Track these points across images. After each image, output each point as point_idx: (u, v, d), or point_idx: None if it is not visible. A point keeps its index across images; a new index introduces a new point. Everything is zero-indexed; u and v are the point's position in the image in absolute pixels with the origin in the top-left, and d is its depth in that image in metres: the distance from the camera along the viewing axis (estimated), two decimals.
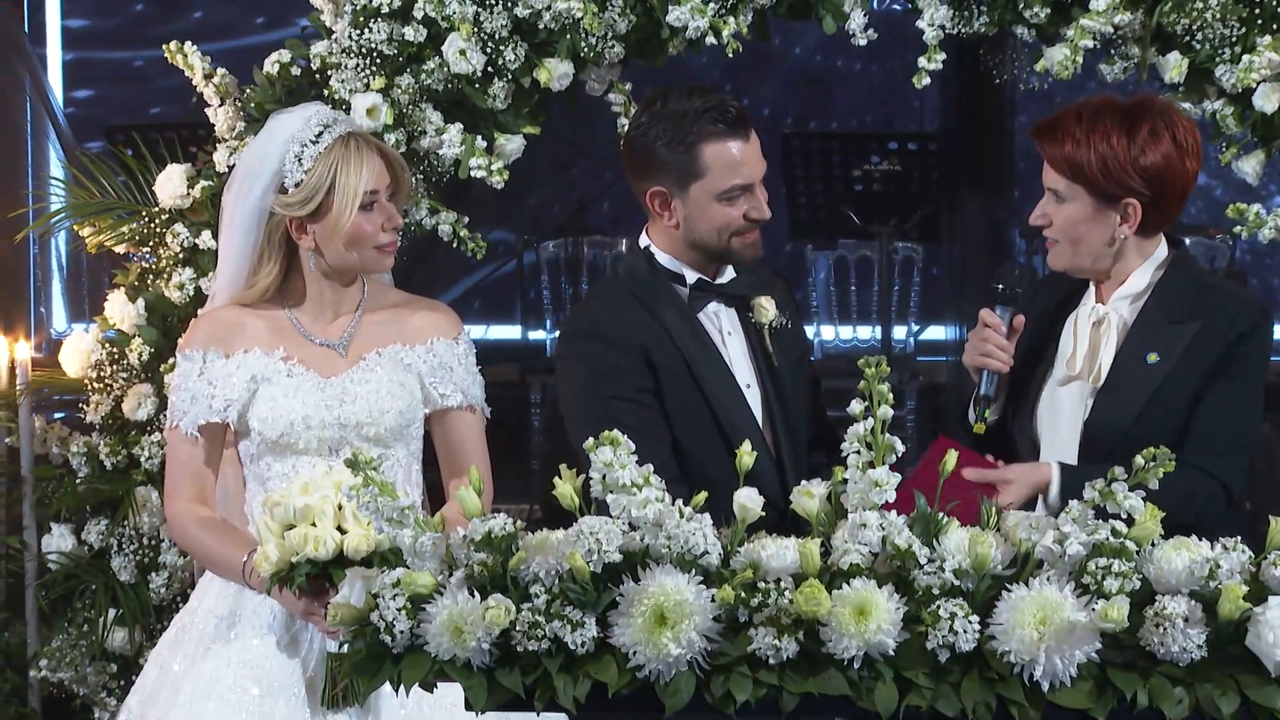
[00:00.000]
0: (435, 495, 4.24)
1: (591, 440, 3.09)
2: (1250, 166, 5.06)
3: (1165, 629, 2.98)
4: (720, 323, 4.29)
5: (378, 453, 4.05)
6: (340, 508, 3.48)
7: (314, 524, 3.51)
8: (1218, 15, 4.90)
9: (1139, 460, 3.08)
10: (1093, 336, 4.11)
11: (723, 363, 4.25)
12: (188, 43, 5.22)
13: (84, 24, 9.85)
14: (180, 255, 5.21)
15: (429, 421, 4.20)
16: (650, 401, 4.18)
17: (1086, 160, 3.99)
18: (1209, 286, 4.15)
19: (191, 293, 5.17)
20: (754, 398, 4.27)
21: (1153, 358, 4.09)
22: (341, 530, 3.49)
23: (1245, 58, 4.89)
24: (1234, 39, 4.92)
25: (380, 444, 4.07)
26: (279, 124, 4.09)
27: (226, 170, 5.17)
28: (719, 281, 4.30)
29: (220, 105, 5.23)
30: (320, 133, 4.04)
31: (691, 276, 4.27)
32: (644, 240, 4.32)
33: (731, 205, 4.19)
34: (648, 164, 4.22)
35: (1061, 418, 4.12)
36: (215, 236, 5.13)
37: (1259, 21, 4.91)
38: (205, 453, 4.09)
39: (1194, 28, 4.93)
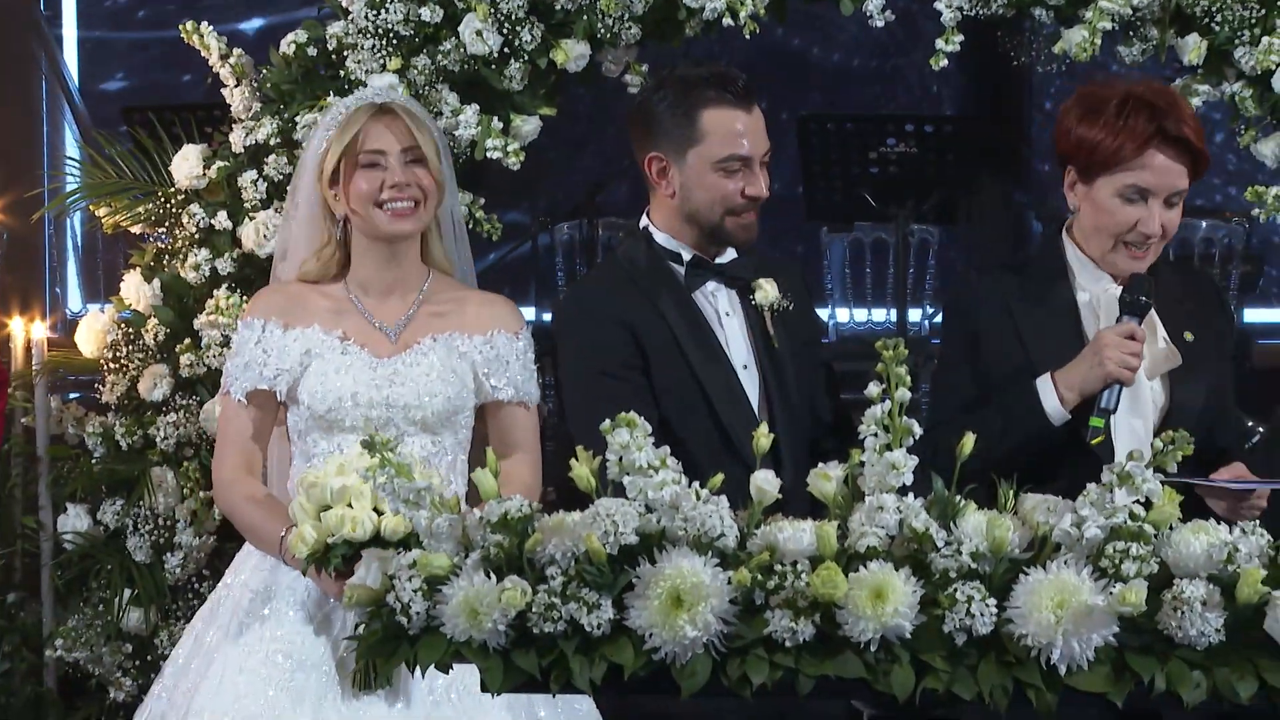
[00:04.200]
0: None
1: (608, 423, 3.09)
2: (1269, 149, 5.03)
3: (1183, 612, 2.97)
4: (718, 303, 4.29)
5: (426, 438, 4.07)
6: (378, 493, 3.47)
7: (350, 505, 3.51)
8: None
9: (1158, 443, 3.07)
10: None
11: (716, 343, 4.24)
12: (204, 23, 5.22)
13: (101, 3, 9.84)
14: (196, 236, 5.20)
15: (482, 414, 4.20)
16: (637, 379, 4.18)
17: (1205, 152, 4.00)
18: (1171, 264, 4.20)
19: (207, 273, 5.16)
20: (751, 379, 4.27)
21: (1189, 336, 4.10)
22: (379, 512, 3.49)
23: (1265, 40, 4.87)
24: (1253, 20, 4.90)
25: (427, 429, 4.08)
26: (330, 107, 4.23)
27: (242, 150, 5.17)
28: (718, 261, 4.29)
29: (236, 86, 5.22)
30: (347, 108, 4.13)
31: (688, 254, 4.26)
32: (643, 221, 4.33)
33: (728, 177, 4.19)
34: (650, 128, 4.24)
35: (1136, 408, 4.09)
36: (230, 217, 5.16)
37: (1278, 3, 4.89)
38: (255, 423, 4.13)
39: (1213, 9, 4.91)
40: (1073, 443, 4.02)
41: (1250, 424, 4.99)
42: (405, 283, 4.17)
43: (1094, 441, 3.98)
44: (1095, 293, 4.13)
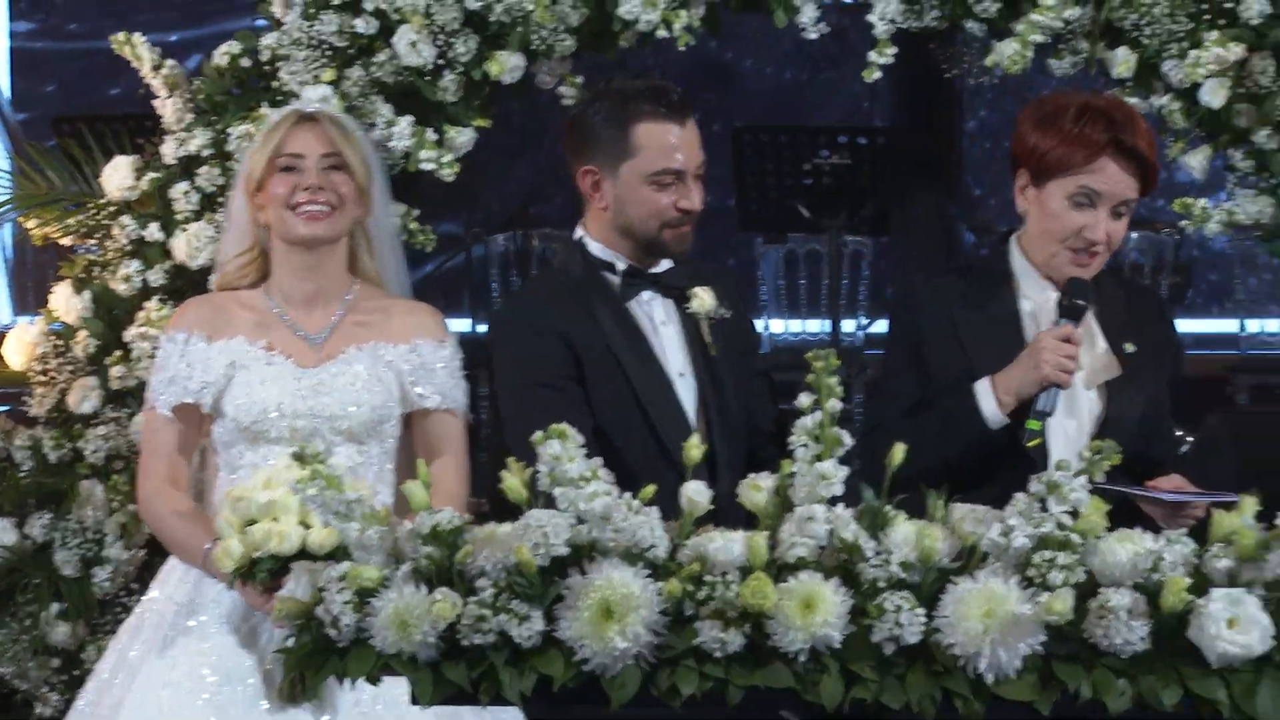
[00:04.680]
0: None
1: (540, 434, 3.09)
2: (1197, 161, 5.08)
3: (1109, 621, 2.99)
4: (653, 311, 4.29)
5: (352, 448, 4.06)
6: (307, 504, 3.46)
7: (276, 519, 3.50)
8: (1166, 11, 4.92)
9: (1086, 453, 3.09)
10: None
11: (651, 352, 4.24)
12: (136, 34, 5.20)
13: (32, 14, 9.79)
14: (127, 247, 5.18)
15: (408, 423, 4.19)
16: (571, 388, 4.18)
17: (1157, 166, 4.04)
18: (1114, 275, 4.23)
19: (138, 285, 5.14)
20: (687, 388, 4.27)
21: (1130, 347, 4.13)
22: (305, 525, 3.48)
23: (1192, 53, 4.91)
24: (1181, 34, 4.93)
25: (353, 439, 4.08)
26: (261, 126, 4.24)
27: (175, 162, 5.15)
28: (653, 271, 4.29)
29: (168, 97, 5.20)
30: (287, 111, 4.18)
31: (622, 264, 4.26)
32: (578, 232, 4.33)
33: (661, 191, 4.19)
34: (584, 141, 4.24)
35: (1073, 416, 4.11)
36: (162, 229, 5.14)
37: (1206, 17, 4.93)
38: (180, 436, 4.12)
39: (1142, 23, 4.95)
40: (1011, 447, 4.03)
41: (1179, 433, 5.02)
42: (328, 292, 4.16)
43: (1030, 444, 4.00)
44: (1038, 301, 4.15)
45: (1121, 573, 3.04)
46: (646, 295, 4.29)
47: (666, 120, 4.20)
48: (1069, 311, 4.05)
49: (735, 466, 4.16)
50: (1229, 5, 4.92)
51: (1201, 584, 3.04)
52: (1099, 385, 4.15)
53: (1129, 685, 3.01)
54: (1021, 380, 4.03)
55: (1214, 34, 4.91)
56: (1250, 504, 3.11)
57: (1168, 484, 4.01)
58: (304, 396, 4.06)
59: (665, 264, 4.32)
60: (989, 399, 4.06)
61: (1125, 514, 3.77)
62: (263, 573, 3.47)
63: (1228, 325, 9.25)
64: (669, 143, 4.19)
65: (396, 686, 3.15)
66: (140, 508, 4.18)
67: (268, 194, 4.08)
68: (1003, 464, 4.01)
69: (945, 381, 4.14)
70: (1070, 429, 4.10)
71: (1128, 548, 3.05)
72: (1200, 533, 3.16)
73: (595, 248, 4.29)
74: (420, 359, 4.16)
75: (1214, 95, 4.94)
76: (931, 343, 4.19)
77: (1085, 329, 4.11)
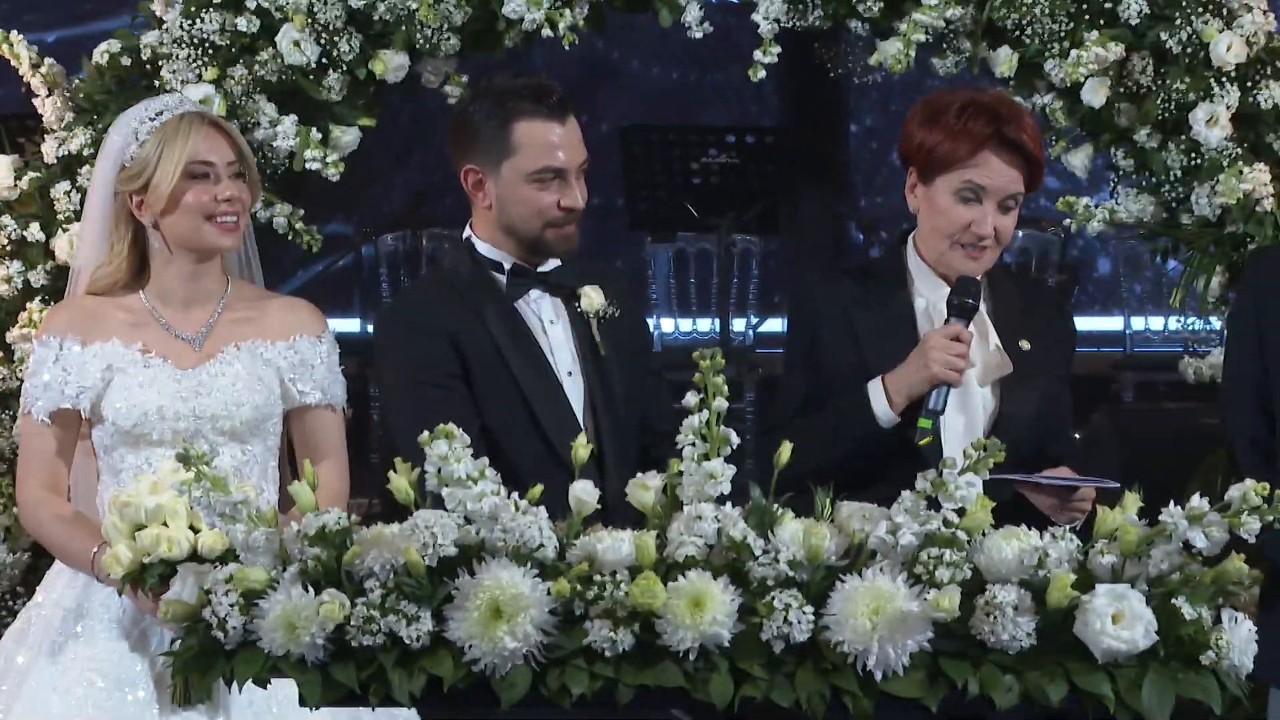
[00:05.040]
0: None
1: (426, 434, 3.08)
2: (1079, 160, 5.13)
3: (995, 618, 3.01)
4: (541, 310, 4.27)
5: (235, 447, 4.03)
6: (193, 506, 3.43)
7: (165, 524, 3.47)
8: (1046, 10, 4.96)
9: (970, 450, 3.11)
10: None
11: (539, 351, 4.23)
12: (14, 31, 5.14)
13: None
14: (8, 248, 5.12)
15: (288, 419, 4.17)
16: (458, 387, 4.16)
17: (1042, 164, 4.06)
18: (1010, 274, 4.25)
19: (20, 285, 5.08)
20: (575, 388, 4.25)
21: (1025, 345, 4.16)
22: (194, 529, 3.45)
23: (1074, 53, 4.96)
24: (1063, 34, 4.98)
25: (236, 438, 4.05)
26: (130, 110, 4.12)
27: (55, 161, 5.10)
28: (541, 270, 4.29)
29: (48, 96, 5.15)
30: (160, 112, 4.06)
31: (508, 263, 4.26)
32: (466, 231, 4.32)
33: (543, 189, 4.17)
34: (466, 140, 4.22)
35: (966, 414, 4.14)
36: (44, 229, 5.08)
37: (1087, 17, 4.98)
38: (58, 441, 4.06)
39: (1024, 23, 4.99)
40: (904, 446, 4.05)
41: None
42: (207, 292, 4.13)
43: (921, 442, 4.01)
44: (932, 299, 4.17)
45: (1007, 569, 3.06)
46: (535, 294, 4.28)
47: (547, 119, 4.18)
48: (959, 310, 4.07)
49: (625, 466, 4.15)
50: (1108, 5, 4.98)
51: (1086, 580, 3.07)
52: (992, 383, 4.17)
53: (1016, 681, 3.03)
54: (912, 379, 4.05)
55: (1094, 34, 4.96)
56: (1133, 500, 3.14)
57: (1053, 473, 4.04)
58: (184, 398, 4.02)
59: (553, 263, 4.31)
60: (880, 398, 4.08)
61: (1016, 511, 3.80)
62: (153, 578, 3.43)
63: (1113, 323, 9.36)
64: (550, 141, 4.17)
65: (290, 686, 3.13)
66: (21, 514, 4.13)
67: (178, 202, 4.02)
68: (896, 463, 4.03)
69: (839, 379, 4.15)
70: (963, 427, 4.12)
71: (1014, 545, 3.07)
72: (1085, 530, 3.19)
73: (482, 247, 4.28)
74: (300, 355, 4.14)
75: (1095, 94, 4.99)
76: (827, 341, 4.20)
77: (979, 326, 4.13)
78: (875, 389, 4.09)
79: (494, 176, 4.19)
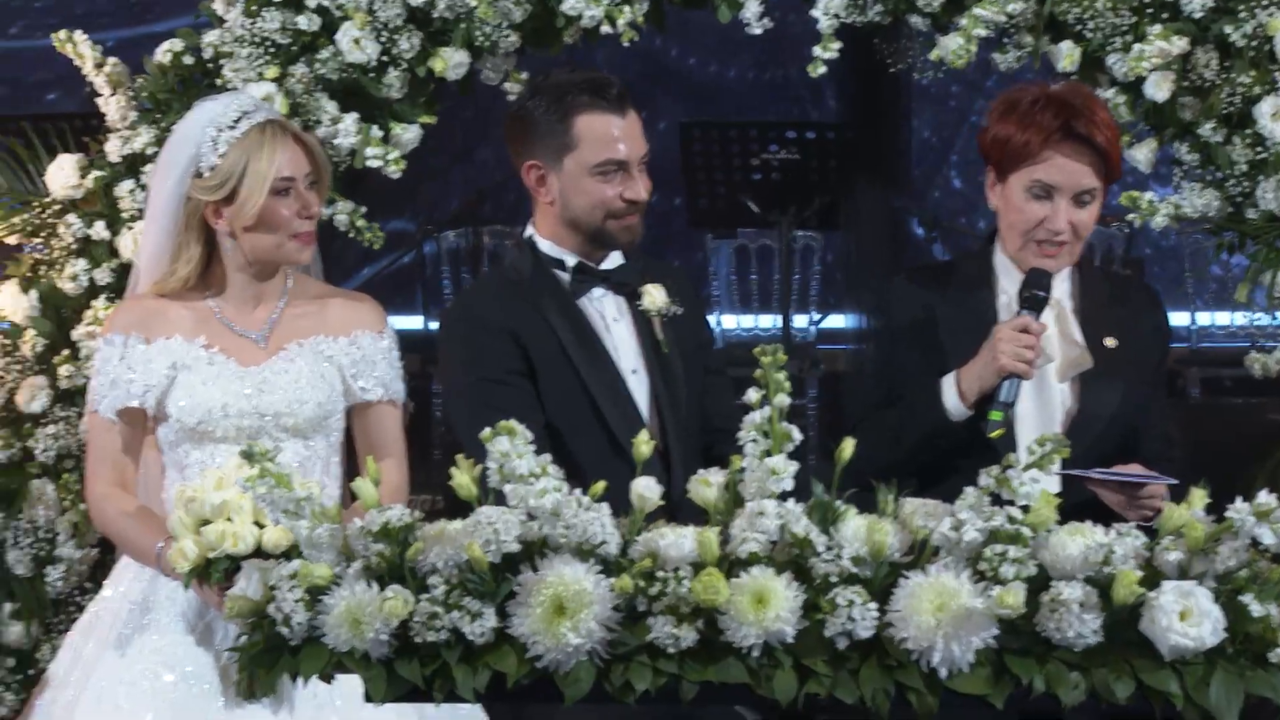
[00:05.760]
0: None
1: (489, 430, 3.08)
2: (1142, 155, 5.09)
3: (1061, 614, 2.99)
4: (604, 309, 4.28)
5: (298, 444, 4.05)
6: (257, 503, 3.44)
7: (230, 519, 3.49)
8: (1109, 4, 4.94)
9: (1034, 446, 3.10)
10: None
11: (603, 349, 4.23)
12: (78, 31, 5.17)
13: None
14: (73, 246, 5.16)
15: (349, 415, 4.18)
16: (522, 384, 4.17)
17: (1117, 155, 4.03)
18: (1107, 272, 4.21)
19: (85, 284, 5.12)
20: (639, 385, 4.26)
21: (1111, 342, 4.14)
22: (259, 524, 3.47)
23: (1136, 46, 4.93)
24: (1125, 28, 4.95)
25: (299, 435, 4.07)
26: (200, 109, 4.11)
27: (119, 160, 5.13)
28: (604, 267, 4.29)
29: (112, 95, 5.18)
30: (239, 118, 4.04)
31: (571, 261, 4.26)
32: (528, 230, 4.32)
33: (605, 182, 4.18)
34: (526, 136, 4.22)
35: (1042, 409, 4.12)
36: (108, 227, 5.11)
37: (1149, 11, 4.95)
38: (124, 438, 4.09)
39: (1086, 17, 4.96)
40: (979, 440, 4.04)
41: None
42: (271, 289, 4.14)
43: (993, 435, 3.99)
44: (1014, 294, 4.15)
45: (1073, 566, 3.04)
46: (597, 292, 4.28)
47: (607, 111, 4.19)
48: (1029, 302, 4.06)
49: (690, 464, 4.14)
50: None
51: (1153, 577, 3.05)
52: (1073, 379, 4.15)
53: (1082, 678, 3.02)
54: (982, 372, 4.04)
55: (1157, 27, 4.93)
56: (1200, 496, 3.12)
57: (1118, 470, 4.02)
58: (248, 395, 4.04)
59: (615, 260, 4.31)
60: (952, 391, 4.08)
61: (1085, 514, 3.79)
62: (218, 573, 3.45)
63: (1179, 319, 9.30)
64: (611, 133, 4.18)
65: (354, 680, 3.14)
66: (90, 510, 4.16)
67: (264, 219, 4.02)
68: (971, 456, 4.01)
69: (920, 376, 4.15)
70: (1039, 421, 4.10)
71: (1079, 541, 3.05)
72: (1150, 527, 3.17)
73: (545, 245, 4.28)
74: (361, 351, 4.15)
75: (1158, 88, 4.96)
76: (910, 334, 4.20)
77: (1060, 321, 4.12)
78: (948, 383, 4.09)
79: (556, 171, 4.19)
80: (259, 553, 3.43)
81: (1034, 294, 4.06)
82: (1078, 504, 3.16)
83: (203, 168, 4.02)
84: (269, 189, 4.00)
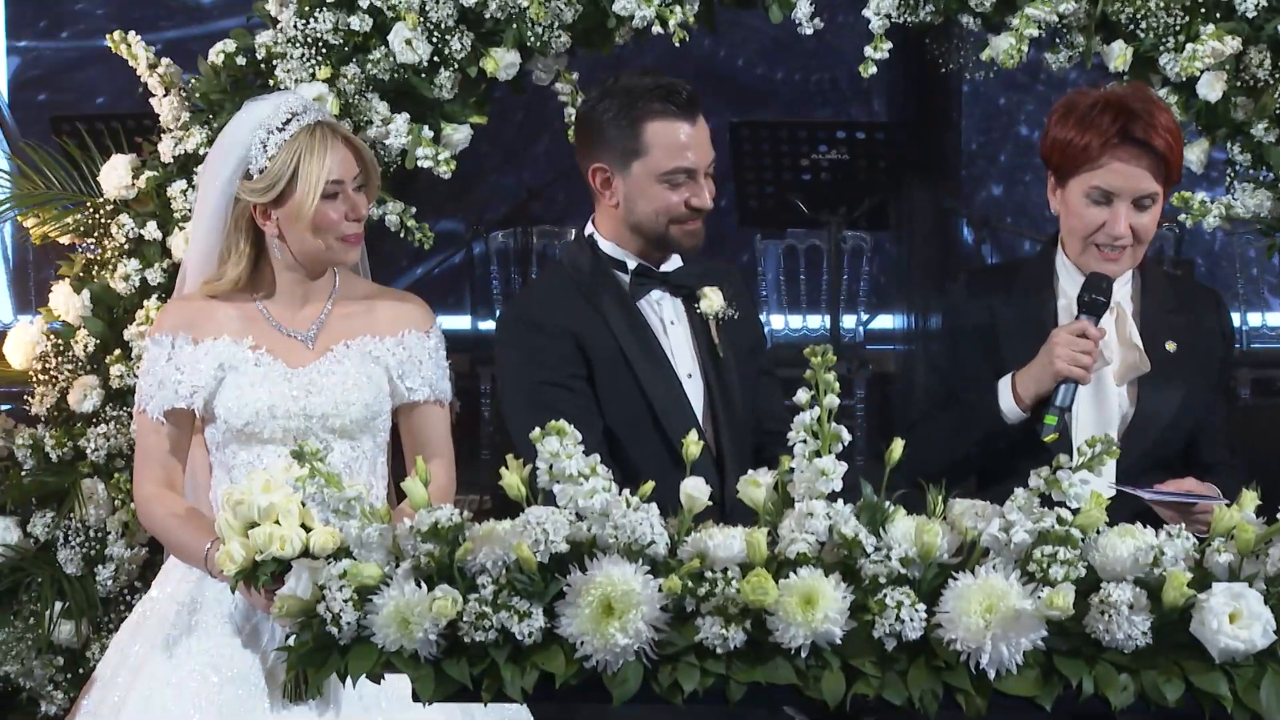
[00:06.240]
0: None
1: (538, 431, 3.09)
2: (1194, 155, 5.07)
3: (1110, 616, 2.99)
4: (662, 311, 4.27)
5: (345, 444, 4.05)
6: (304, 505, 3.45)
7: (277, 522, 3.49)
8: (1161, 4, 4.92)
9: (1084, 448, 3.09)
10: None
11: (661, 352, 4.23)
12: (131, 32, 5.20)
13: (29, 14, 9.78)
14: (125, 246, 5.18)
15: (396, 414, 4.18)
16: (581, 387, 4.17)
17: (1178, 159, 4.02)
18: (1169, 275, 4.19)
19: (137, 284, 5.15)
20: (695, 389, 4.25)
21: (1171, 346, 4.12)
22: (306, 527, 3.48)
23: (1189, 46, 4.91)
24: (1178, 28, 4.93)
25: (346, 435, 4.07)
26: (250, 110, 4.09)
27: (171, 160, 5.16)
28: (663, 269, 4.28)
29: (165, 96, 5.20)
30: (288, 120, 4.02)
31: (632, 263, 4.25)
32: (589, 229, 4.31)
33: (672, 189, 4.17)
34: (594, 138, 4.21)
35: (1099, 412, 4.11)
36: (160, 227, 5.14)
37: (1202, 11, 4.93)
38: (172, 438, 4.09)
39: (1138, 16, 4.95)
40: (1035, 443, 4.02)
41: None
42: (318, 289, 4.15)
43: (1048, 439, 3.98)
44: (1074, 297, 4.14)
45: (1122, 568, 3.03)
46: (656, 294, 4.28)
47: (677, 118, 4.17)
48: (1088, 307, 4.04)
49: (743, 467, 4.13)
50: None
51: (1203, 579, 3.04)
52: (1130, 382, 4.14)
53: (1131, 680, 3.01)
54: (1038, 375, 4.03)
55: (1210, 27, 4.91)
56: (1250, 498, 3.11)
57: (1174, 487, 3.99)
58: (295, 397, 4.04)
59: (674, 262, 4.30)
60: (1008, 394, 4.07)
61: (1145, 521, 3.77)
62: (265, 575, 3.46)
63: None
64: (680, 141, 4.16)
65: (400, 682, 3.15)
66: (137, 511, 4.17)
67: (313, 222, 4.03)
68: (1027, 459, 4.00)
69: (979, 377, 4.14)
70: (1095, 424, 4.08)
71: (1129, 543, 3.04)
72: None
73: (605, 245, 4.27)
74: (408, 351, 4.15)
75: (1211, 88, 4.94)
76: (971, 336, 4.20)
77: (1120, 325, 4.10)
78: (1004, 385, 4.08)
79: (623, 175, 4.18)
80: (305, 555, 3.44)
81: (1093, 298, 4.04)
82: (1134, 515, 3.14)
83: (252, 170, 4.02)
84: (320, 192, 4.01)
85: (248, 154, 4.03)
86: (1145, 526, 3.09)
